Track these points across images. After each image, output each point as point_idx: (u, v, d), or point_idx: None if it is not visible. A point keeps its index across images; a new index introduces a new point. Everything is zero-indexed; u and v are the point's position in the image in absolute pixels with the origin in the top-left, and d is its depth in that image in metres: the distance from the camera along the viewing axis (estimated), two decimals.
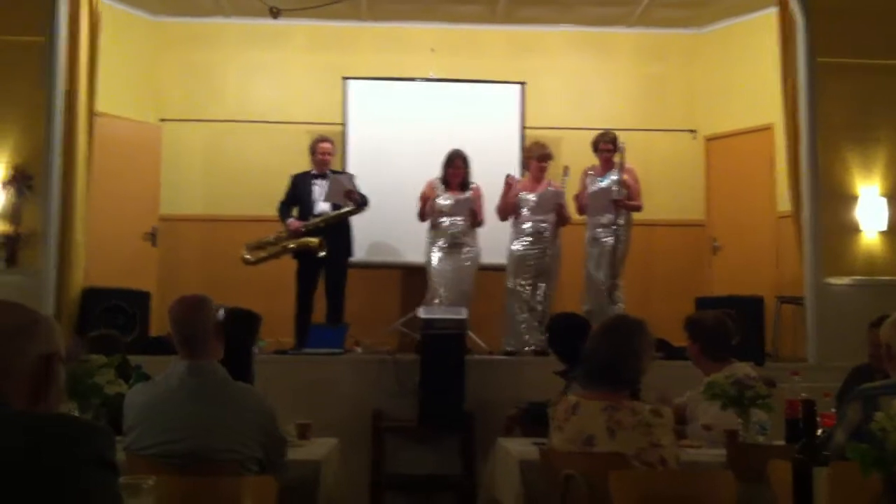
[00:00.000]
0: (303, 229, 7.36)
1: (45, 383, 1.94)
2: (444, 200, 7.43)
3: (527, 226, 7.42)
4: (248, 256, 7.43)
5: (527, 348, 7.16)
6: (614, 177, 7.45)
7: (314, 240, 7.26)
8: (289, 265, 7.48)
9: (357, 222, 7.87)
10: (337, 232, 7.39)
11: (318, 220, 7.37)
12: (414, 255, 7.82)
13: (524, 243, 7.41)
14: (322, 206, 7.44)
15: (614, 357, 3.34)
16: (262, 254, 7.43)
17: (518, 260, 7.40)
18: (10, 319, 1.96)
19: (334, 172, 7.57)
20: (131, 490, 2.13)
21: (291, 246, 7.35)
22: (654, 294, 8.67)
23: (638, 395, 3.69)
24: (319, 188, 7.46)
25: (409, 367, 6.45)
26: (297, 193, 7.50)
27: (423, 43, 9.26)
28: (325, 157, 7.53)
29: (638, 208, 7.51)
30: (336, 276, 7.41)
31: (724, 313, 4.75)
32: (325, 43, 9.30)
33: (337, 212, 7.40)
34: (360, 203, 7.44)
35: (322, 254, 7.22)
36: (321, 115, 8.92)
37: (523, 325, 7.29)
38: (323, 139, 7.64)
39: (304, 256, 7.36)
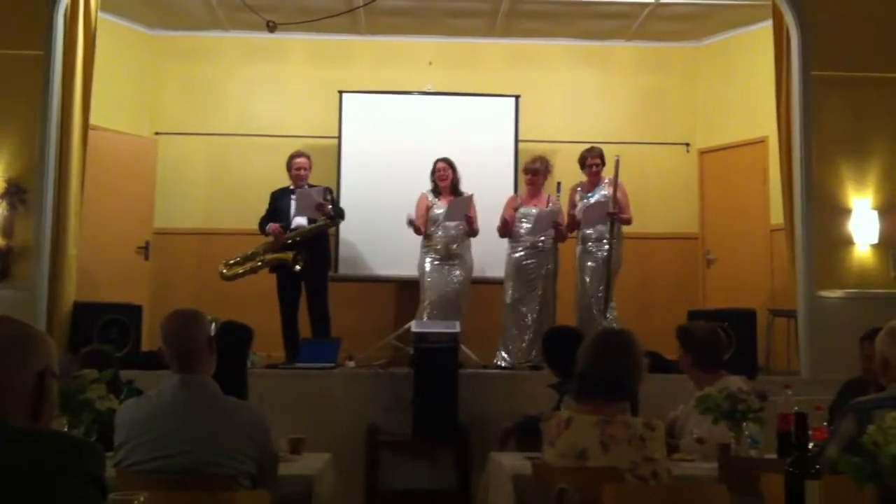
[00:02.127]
0: (283, 235, 7.33)
1: (39, 400, 1.94)
2: (438, 209, 7.43)
3: (525, 239, 7.41)
4: (224, 272, 7.42)
5: (522, 362, 7.15)
6: (604, 192, 7.45)
7: (288, 254, 7.25)
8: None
9: (351, 235, 7.87)
10: (314, 246, 7.38)
11: (293, 233, 7.35)
12: (408, 269, 7.80)
13: (523, 256, 7.40)
14: (299, 221, 7.43)
15: (615, 370, 3.34)
16: (238, 269, 7.42)
17: (516, 272, 7.39)
18: (4, 334, 1.96)
19: (311, 186, 7.55)
20: None
21: (267, 259, 7.34)
22: (648, 307, 8.68)
23: (637, 408, 3.69)
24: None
25: (402, 381, 6.44)
26: (277, 209, 7.49)
27: (420, 57, 9.31)
28: (300, 172, 7.52)
29: (628, 221, 7.51)
30: (316, 291, 7.40)
31: (717, 326, 4.76)
32: (323, 57, 9.33)
33: (311, 226, 7.39)
34: (333, 216, 7.43)
35: (297, 268, 7.20)
36: (318, 129, 8.95)
37: (519, 339, 7.28)
38: (298, 154, 7.63)
39: (281, 271, 7.34)
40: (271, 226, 7.37)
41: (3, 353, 1.93)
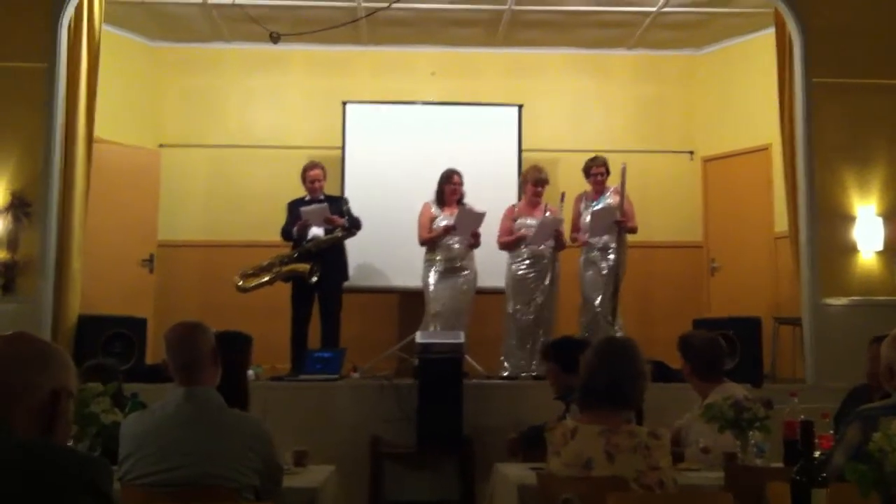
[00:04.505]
0: (306, 233, 7.37)
1: (52, 418, 1.94)
2: (443, 221, 7.43)
3: (525, 250, 7.41)
4: (240, 283, 7.42)
5: (524, 373, 7.14)
6: (609, 200, 7.45)
7: (304, 265, 7.25)
8: (286, 290, 7.47)
9: (354, 246, 7.86)
10: (330, 257, 7.38)
11: (309, 245, 7.36)
12: (411, 280, 7.80)
13: (523, 266, 7.40)
14: (315, 231, 7.43)
15: (618, 379, 3.33)
16: (255, 280, 7.41)
17: (517, 283, 7.39)
18: (23, 351, 1.96)
19: (328, 197, 7.57)
20: None
21: (281, 272, 7.34)
22: (653, 315, 8.67)
23: (642, 417, 3.69)
24: None
25: (406, 392, 6.43)
26: (295, 219, 7.50)
27: (422, 67, 9.32)
28: (315, 183, 7.54)
29: (634, 230, 7.52)
30: (330, 302, 7.40)
31: (717, 335, 4.76)
32: (325, 68, 9.35)
33: (328, 236, 7.40)
34: (348, 227, 7.44)
35: (313, 279, 7.20)
36: (321, 140, 8.96)
37: (519, 349, 7.27)
38: (312, 166, 7.64)
39: (297, 282, 7.34)
40: (299, 224, 7.37)
41: (16, 368, 1.93)
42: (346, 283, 7.65)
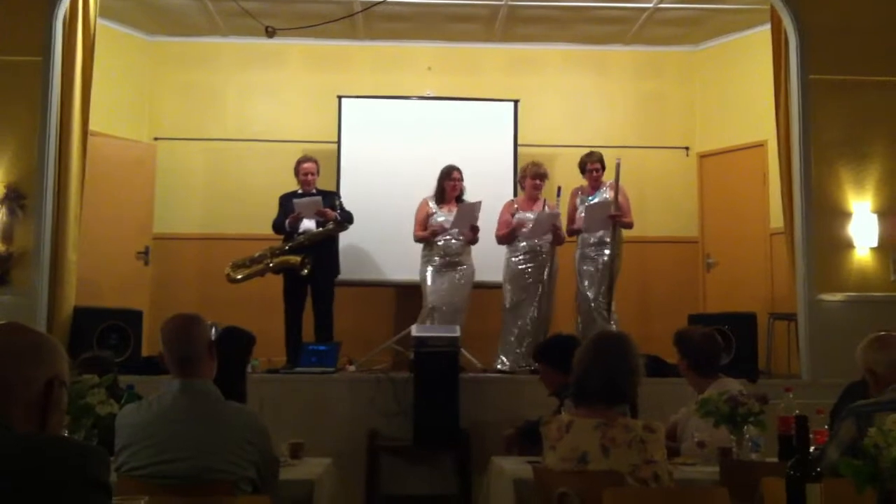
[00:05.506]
0: (298, 224, 7.36)
1: (47, 407, 1.94)
2: (440, 217, 7.42)
3: (523, 244, 7.42)
4: (231, 274, 7.41)
5: (521, 366, 7.15)
6: (605, 195, 7.46)
7: (296, 258, 7.25)
8: (281, 284, 7.46)
9: (351, 240, 7.87)
10: (323, 250, 7.38)
11: (301, 238, 7.36)
12: (407, 273, 7.80)
13: (522, 260, 7.40)
14: (307, 225, 7.43)
15: (612, 374, 3.34)
16: (246, 272, 7.40)
17: (515, 277, 7.39)
18: (14, 342, 1.96)
19: (320, 191, 7.57)
20: None
21: (272, 264, 7.34)
22: (648, 311, 8.68)
23: (637, 411, 3.69)
24: None
25: (403, 386, 6.43)
26: (287, 212, 7.50)
27: (419, 62, 9.31)
28: (308, 176, 7.55)
29: (630, 225, 7.51)
30: (322, 295, 7.40)
31: (713, 330, 4.77)
32: (322, 62, 9.33)
33: (320, 230, 7.39)
34: (341, 221, 7.44)
35: (304, 272, 7.20)
36: (317, 134, 8.95)
37: (517, 343, 7.27)
38: (305, 159, 7.66)
39: (289, 275, 7.35)
40: (292, 216, 7.37)
41: (11, 361, 1.93)
42: (341, 277, 7.65)
